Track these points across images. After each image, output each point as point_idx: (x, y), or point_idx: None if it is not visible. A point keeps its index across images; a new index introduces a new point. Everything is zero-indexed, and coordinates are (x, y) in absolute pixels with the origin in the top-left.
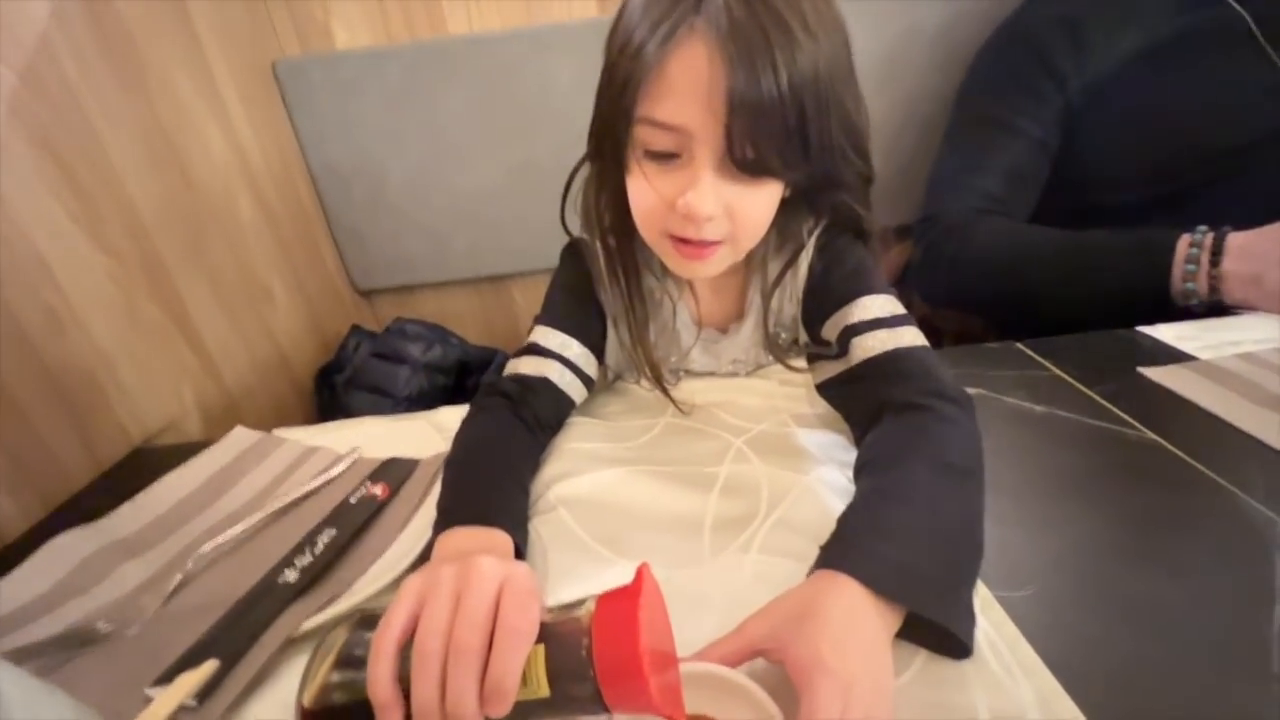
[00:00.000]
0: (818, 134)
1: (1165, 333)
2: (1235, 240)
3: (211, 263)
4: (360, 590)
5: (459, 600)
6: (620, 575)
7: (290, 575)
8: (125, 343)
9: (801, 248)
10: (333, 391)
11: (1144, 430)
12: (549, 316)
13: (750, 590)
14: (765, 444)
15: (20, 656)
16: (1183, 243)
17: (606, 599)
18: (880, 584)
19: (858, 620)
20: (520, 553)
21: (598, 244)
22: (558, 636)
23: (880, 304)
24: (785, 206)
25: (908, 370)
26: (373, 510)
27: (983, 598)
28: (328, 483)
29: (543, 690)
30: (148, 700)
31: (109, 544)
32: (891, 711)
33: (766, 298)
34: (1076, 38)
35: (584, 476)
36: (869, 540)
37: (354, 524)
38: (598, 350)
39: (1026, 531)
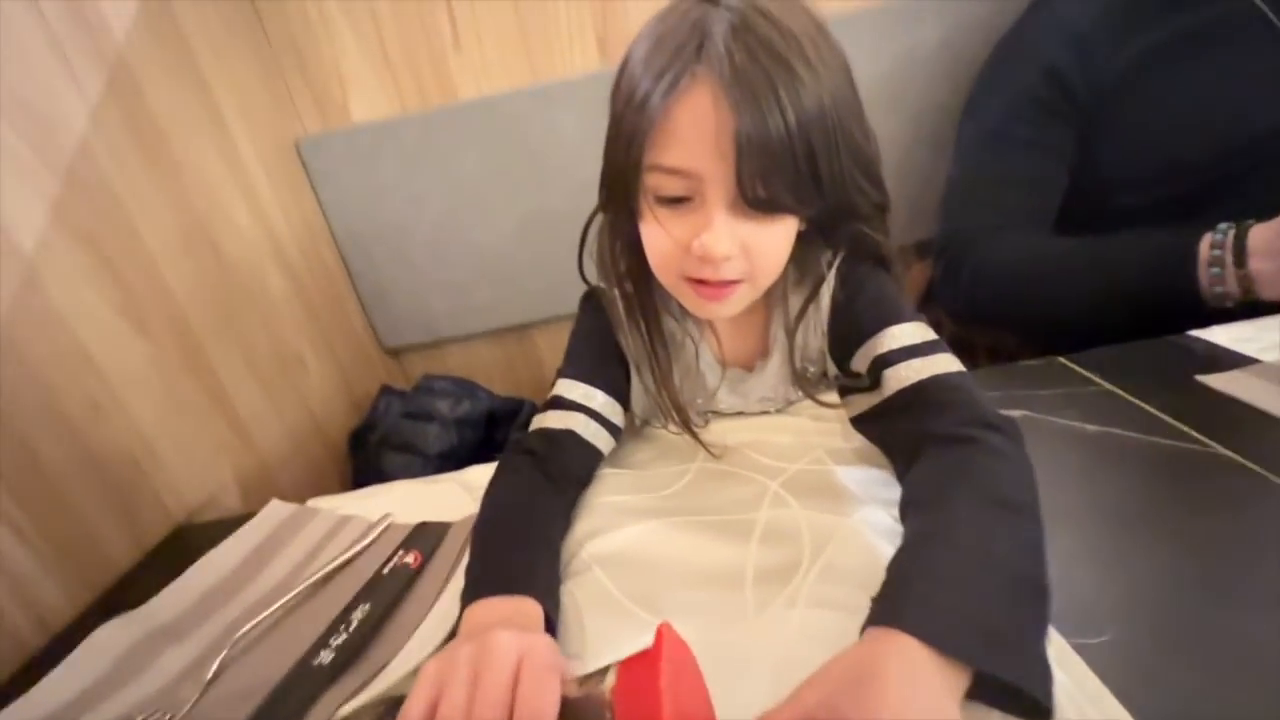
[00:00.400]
0: (828, 167)
1: (1220, 335)
2: (1257, 238)
3: (244, 336)
4: (395, 670)
5: (477, 680)
6: None
7: (326, 657)
8: (164, 423)
9: (822, 279)
10: (365, 452)
11: (1212, 444)
12: (571, 368)
13: (799, 647)
14: (803, 485)
15: None
16: (1204, 244)
17: (627, 666)
18: (940, 640)
19: (920, 683)
20: (551, 619)
21: (615, 291)
22: (580, 712)
23: (910, 331)
24: (802, 239)
25: (946, 400)
26: (406, 580)
27: (1057, 647)
28: (361, 553)
29: None
30: None
31: (149, 632)
32: None
33: (791, 333)
34: (1081, 48)
35: (617, 532)
36: (922, 590)
37: (388, 596)
38: (622, 398)
39: (1093, 568)
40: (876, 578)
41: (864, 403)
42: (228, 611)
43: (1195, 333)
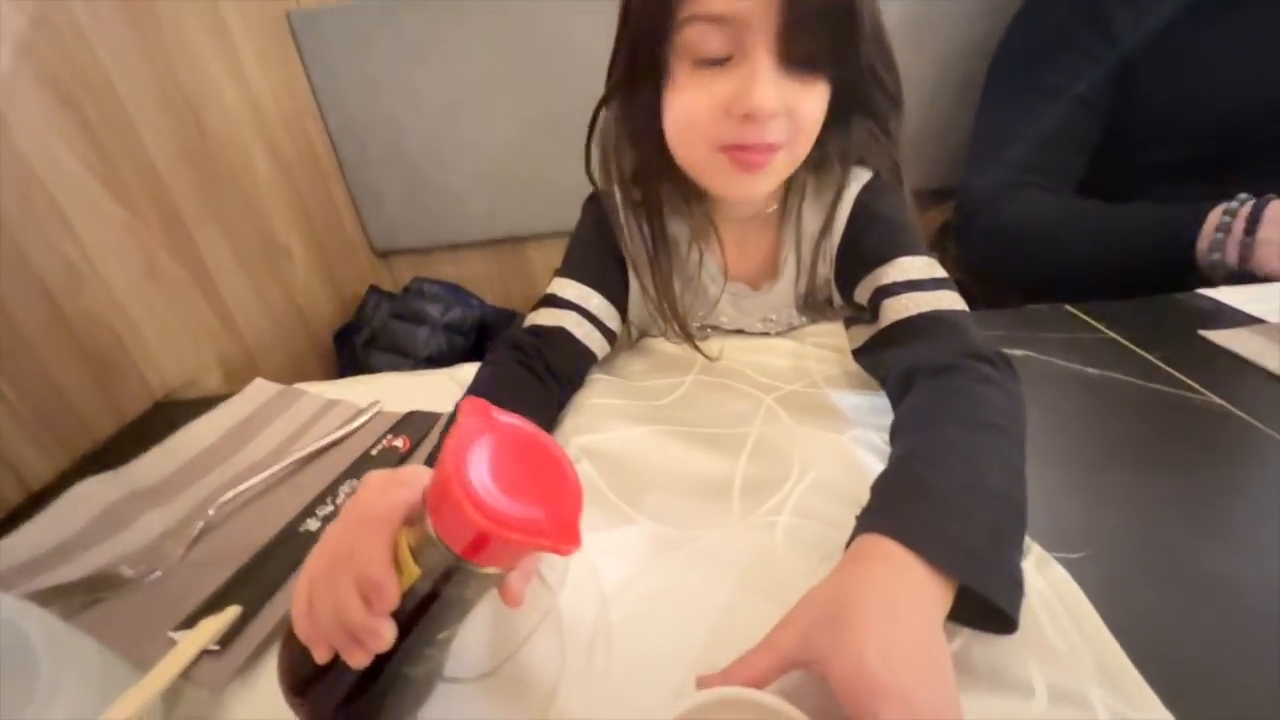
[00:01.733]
0: (864, 25)
1: (1230, 295)
2: (1276, 207)
3: (228, 218)
4: None
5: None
6: (641, 532)
7: (312, 524)
8: (144, 296)
9: (838, 198)
10: (352, 351)
11: (1208, 394)
12: (568, 268)
13: (781, 553)
14: (796, 403)
15: (46, 598)
16: (1215, 212)
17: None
18: (927, 550)
19: (901, 611)
20: None
21: (617, 190)
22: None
23: (918, 265)
24: (820, 142)
25: (942, 332)
26: (395, 462)
27: (1037, 556)
28: (348, 435)
29: (413, 570)
30: (171, 644)
31: (131, 492)
32: (960, 712)
33: (813, 248)
34: None
35: (608, 433)
36: (909, 504)
37: None
38: (619, 304)
39: (1081, 497)
40: (864, 495)
41: (863, 334)
42: (210, 480)
43: (1205, 291)
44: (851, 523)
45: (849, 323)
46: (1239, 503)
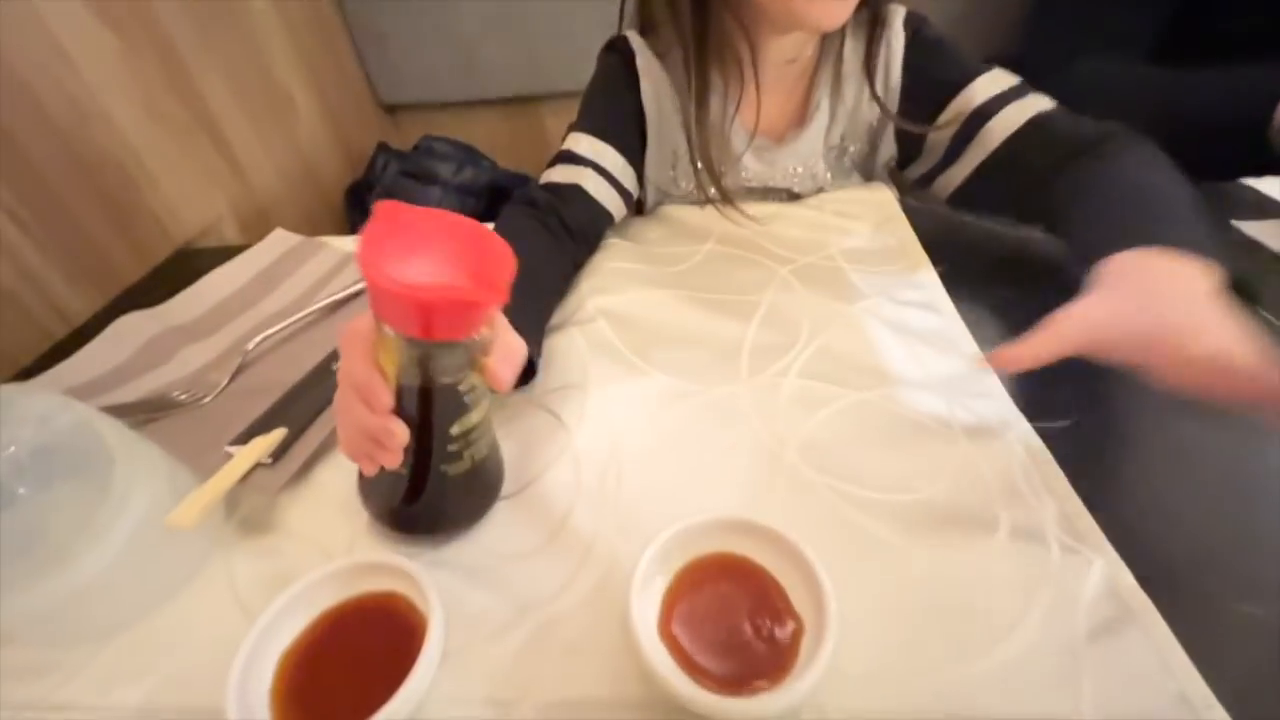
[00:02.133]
0: None
1: (1273, 186)
2: None
3: (227, 59)
4: None
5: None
6: (655, 385)
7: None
8: (149, 135)
9: (885, 32)
10: (364, 209)
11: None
12: (585, 122)
13: (787, 409)
14: (811, 275)
15: (111, 414)
16: None
17: None
18: (1198, 250)
19: (1195, 282)
20: (533, 361)
21: (671, 27)
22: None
23: (997, 78)
24: None
25: (1060, 131)
26: None
27: (1022, 430)
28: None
29: (391, 368)
30: (228, 456)
31: (169, 328)
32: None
33: (857, 88)
34: None
35: (623, 294)
36: (1147, 223)
37: None
38: (637, 163)
39: (1074, 374)
40: (872, 359)
41: (960, 172)
42: (240, 322)
43: (1248, 181)
44: (860, 384)
45: (926, 178)
46: None
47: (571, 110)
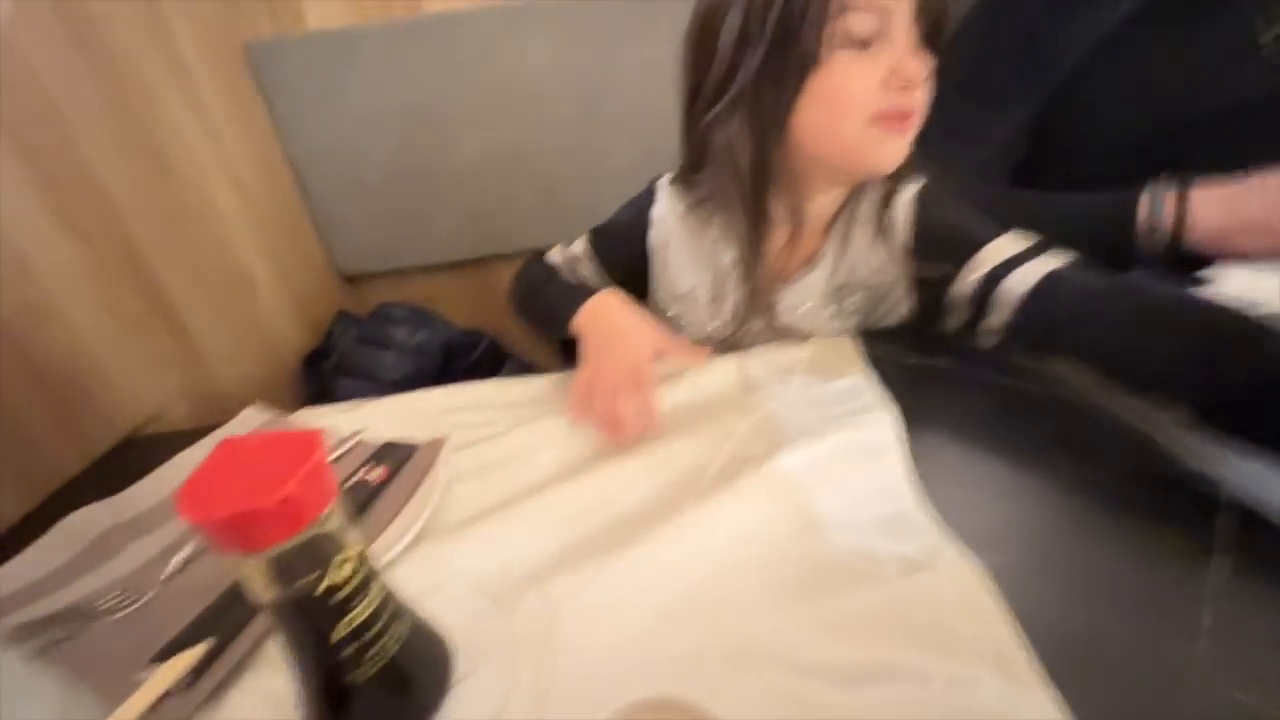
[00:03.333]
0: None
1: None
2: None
3: (191, 250)
4: None
5: None
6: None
7: None
8: (107, 333)
9: (895, 193)
10: (320, 377)
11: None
12: (597, 235)
13: (714, 560)
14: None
15: (23, 633)
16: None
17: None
18: None
19: None
20: None
21: (732, 186)
22: None
23: (1011, 242)
24: None
25: (1078, 284)
26: (366, 497)
27: (950, 555)
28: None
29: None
30: (140, 682)
31: (121, 522)
32: None
33: (866, 241)
34: (1059, 12)
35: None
36: None
37: (347, 509)
38: (623, 286)
39: (1005, 500)
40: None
41: (992, 325)
42: None
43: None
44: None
45: (948, 328)
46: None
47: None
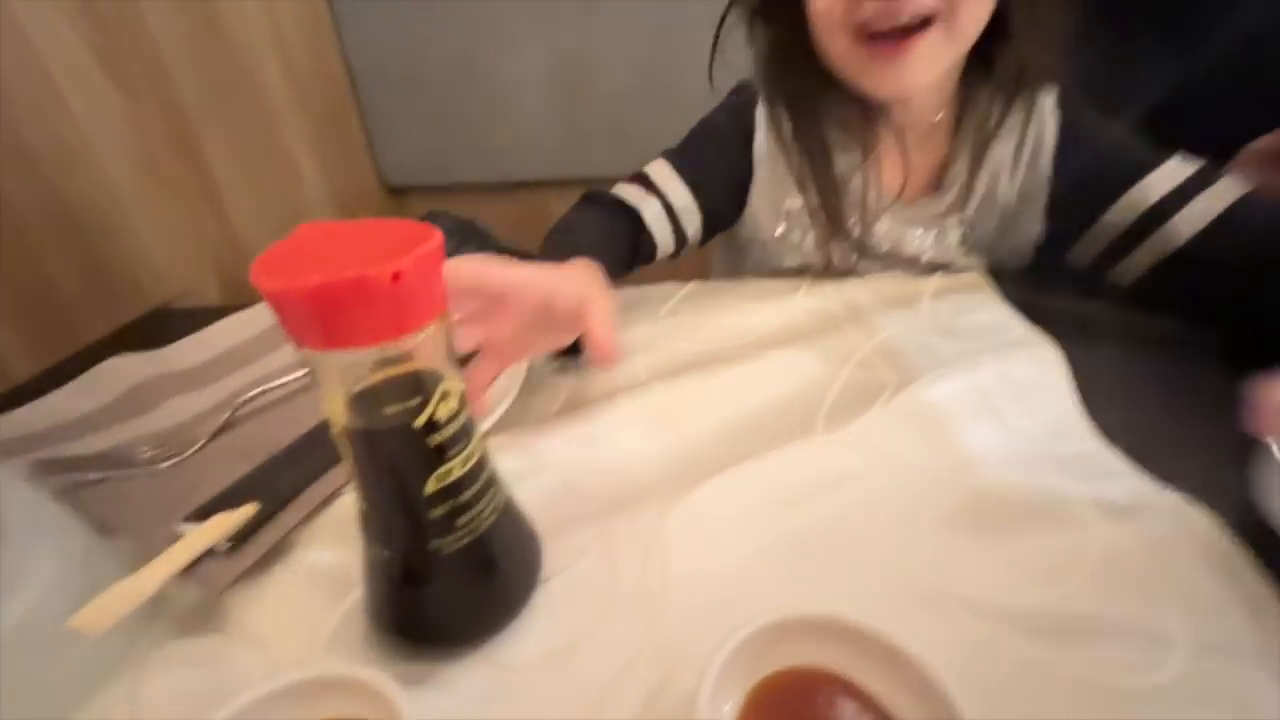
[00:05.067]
0: None
1: None
2: None
3: (236, 123)
4: None
5: None
6: (704, 451)
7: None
8: (143, 193)
9: (1016, 96)
10: None
11: None
12: (678, 155)
13: (869, 482)
14: (897, 346)
15: (51, 468)
16: None
17: None
18: None
19: None
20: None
21: (768, 100)
22: None
23: (1176, 169)
24: (1000, 38)
25: (1256, 227)
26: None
27: (1173, 501)
28: None
29: (335, 405)
30: (178, 536)
31: (162, 374)
32: None
33: (1001, 172)
34: None
35: (680, 357)
36: None
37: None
38: (716, 213)
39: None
40: (961, 436)
41: (1129, 270)
42: (243, 374)
43: None
44: (944, 462)
45: (1096, 263)
46: None
47: (577, 197)
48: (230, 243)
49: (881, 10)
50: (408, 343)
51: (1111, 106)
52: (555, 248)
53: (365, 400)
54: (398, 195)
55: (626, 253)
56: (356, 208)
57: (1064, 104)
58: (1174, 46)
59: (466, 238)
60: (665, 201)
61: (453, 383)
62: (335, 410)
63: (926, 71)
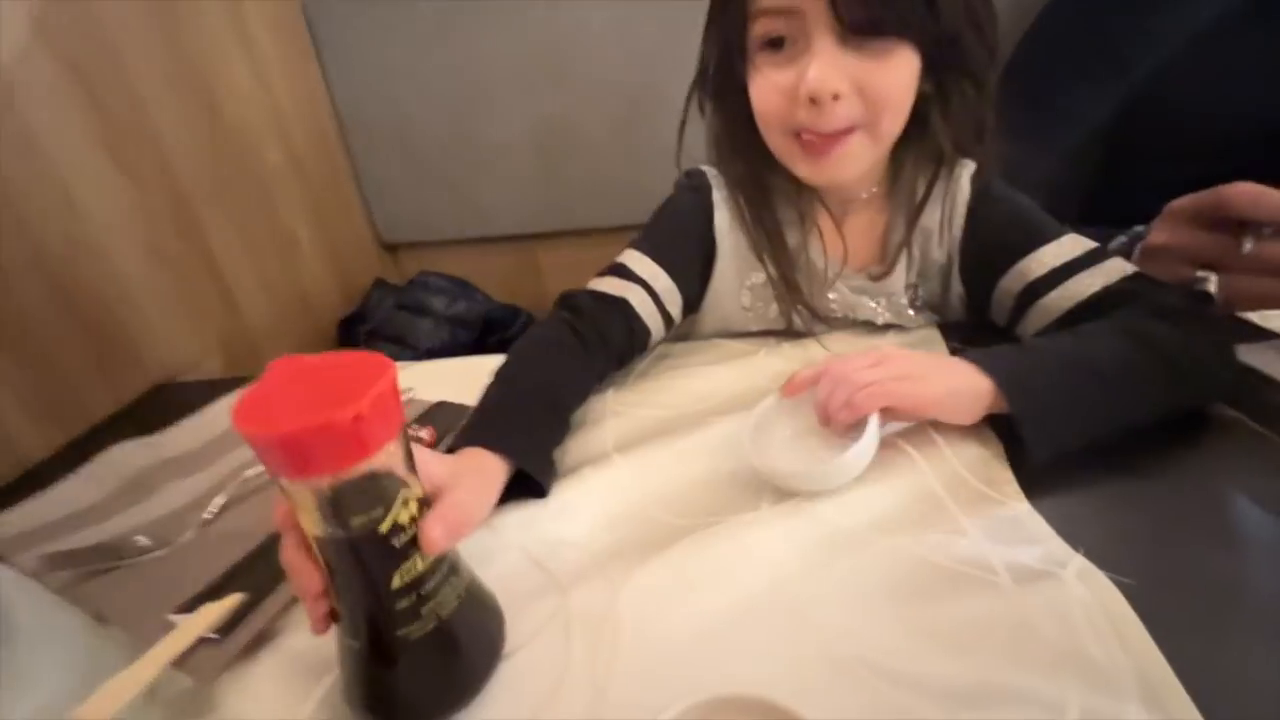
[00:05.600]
0: None
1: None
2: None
3: (237, 202)
4: None
5: None
6: (661, 530)
7: None
8: (147, 276)
9: (939, 171)
10: (355, 342)
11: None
12: (646, 243)
13: (810, 554)
14: None
15: (56, 562)
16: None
17: None
18: (989, 366)
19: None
20: (530, 476)
21: (722, 179)
22: None
23: (1066, 247)
24: (921, 122)
25: (1128, 300)
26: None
27: (1079, 567)
28: None
29: (306, 521)
30: (170, 626)
31: (161, 461)
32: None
33: (910, 224)
34: (1141, 8)
35: (644, 427)
36: (1006, 350)
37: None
38: (686, 292)
39: (1102, 509)
40: (897, 503)
41: (1029, 328)
42: (240, 454)
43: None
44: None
45: (1008, 323)
46: (1254, 513)
47: (564, 248)
48: (232, 314)
49: (812, 117)
50: (369, 462)
51: (1038, 152)
52: (492, 400)
53: (335, 511)
54: (392, 252)
55: (579, 389)
56: (354, 266)
57: (975, 178)
58: (1095, 87)
59: (458, 295)
60: (647, 287)
61: (413, 489)
62: (308, 523)
63: (851, 167)
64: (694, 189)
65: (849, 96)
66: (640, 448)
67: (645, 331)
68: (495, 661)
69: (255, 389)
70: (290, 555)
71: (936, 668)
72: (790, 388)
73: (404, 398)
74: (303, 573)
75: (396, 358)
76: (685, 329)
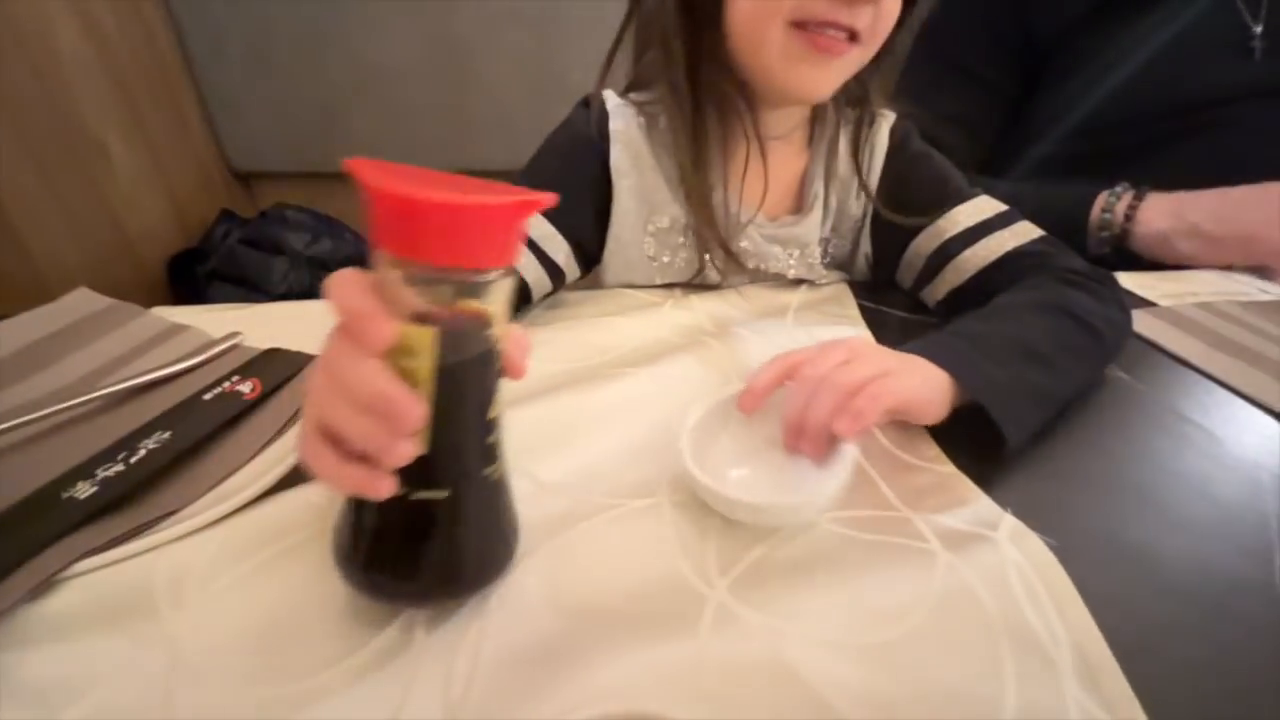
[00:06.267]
0: None
1: (1125, 281)
2: (1152, 204)
3: (9, 93)
4: (193, 517)
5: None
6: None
7: (84, 489)
8: None
9: (862, 117)
10: (193, 284)
11: (1123, 374)
12: (527, 180)
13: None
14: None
15: None
16: (1097, 202)
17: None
18: (942, 359)
19: (921, 372)
20: None
21: (667, 89)
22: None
23: (979, 207)
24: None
25: (1031, 265)
26: (234, 412)
27: (1011, 527)
28: (186, 371)
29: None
30: None
31: None
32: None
33: (845, 187)
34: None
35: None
36: (950, 340)
37: (200, 427)
38: (581, 237)
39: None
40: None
41: (934, 294)
42: (4, 398)
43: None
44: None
45: (916, 282)
46: (1160, 479)
47: None
48: (12, 242)
49: (835, 8)
50: (497, 274)
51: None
52: None
53: (452, 337)
54: (245, 182)
55: None
56: (193, 195)
57: (895, 129)
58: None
59: (321, 232)
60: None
61: (500, 324)
62: (428, 344)
63: (837, 80)
64: (587, 120)
65: (873, 3)
66: (524, 406)
67: (524, 287)
68: (512, 557)
69: (377, 173)
70: (388, 386)
71: (854, 637)
72: (748, 399)
73: (226, 344)
74: (410, 404)
75: (244, 302)
76: (591, 283)
